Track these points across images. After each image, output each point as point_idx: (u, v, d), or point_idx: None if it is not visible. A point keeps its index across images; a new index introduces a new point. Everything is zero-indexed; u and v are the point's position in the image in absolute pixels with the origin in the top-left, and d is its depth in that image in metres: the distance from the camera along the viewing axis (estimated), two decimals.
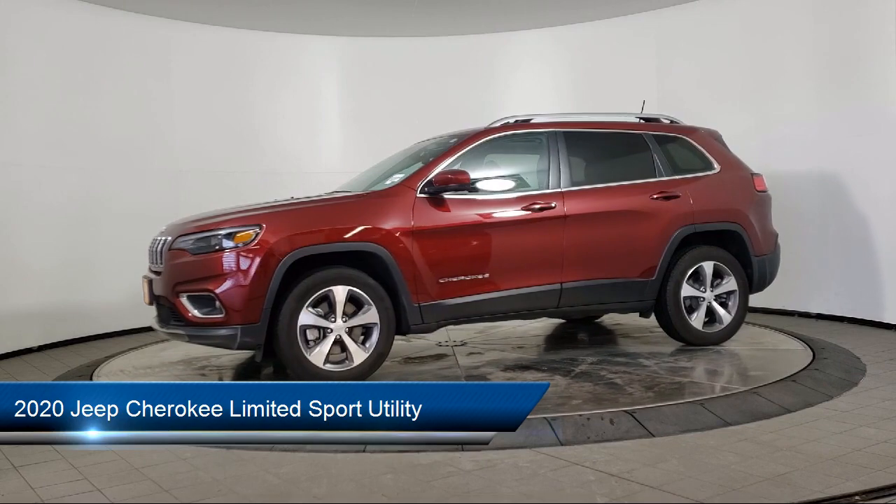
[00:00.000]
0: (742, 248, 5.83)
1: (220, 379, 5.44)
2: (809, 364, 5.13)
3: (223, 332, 4.69)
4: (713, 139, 6.08)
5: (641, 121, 6.03)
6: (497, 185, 5.48)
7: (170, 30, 8.13)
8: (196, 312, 4.76)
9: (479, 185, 5.27)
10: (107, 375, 5.61)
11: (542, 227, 5.28)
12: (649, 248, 5.55)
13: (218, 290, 4.66)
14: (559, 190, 5.38)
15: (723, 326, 5.78)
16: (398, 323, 4.98)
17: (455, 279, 5.07)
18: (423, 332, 5.20)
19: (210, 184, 8.11)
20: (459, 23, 8.77)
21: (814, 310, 7.32)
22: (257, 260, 4.65)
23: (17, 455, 3.93)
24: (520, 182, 5.64)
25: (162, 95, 8.11)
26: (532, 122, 5.69)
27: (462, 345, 6.21)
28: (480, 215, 5.19)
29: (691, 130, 6.04)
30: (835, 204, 6.99)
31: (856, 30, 6.83)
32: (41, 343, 7.07)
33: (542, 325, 7.03)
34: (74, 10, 7.42)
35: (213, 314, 4.71)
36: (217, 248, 4.72)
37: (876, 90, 6.64)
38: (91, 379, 5.44)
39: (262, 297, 4.64)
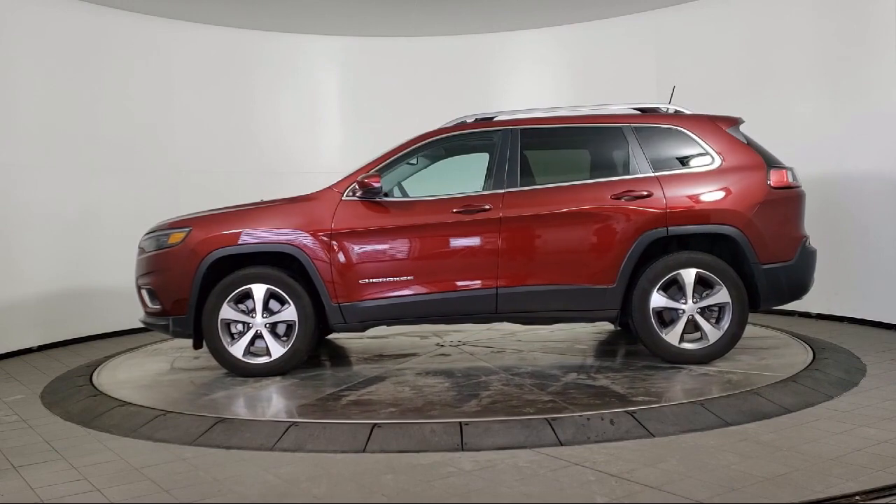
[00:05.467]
0: (741, 254, 5.18)
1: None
2: (809, 364, 5.12)
3: (162, 322, 5.29)
4: (722, 129, 5.41)
5: (637, 112, 5.56)
6: (434, 187, 5.45)
7: (170, 30, 8.14)
8: (150, 304, 5.36)
9: (416, 186, 5.37)
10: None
11: (473, 229, 5.15)
12: (606, 252, 5.12)
13: (155, 285, 5.27)
14: (499, 191, 5.20)
15: (708, 343, 5.13)
16: (324, 321, 5.24)
17: (376, 280, 5.16)
18: (350, 331, 5.39)
19: (210, 184, 8.12)
20: (459, 23, 8.77)
21: (814, 310, 7.33)
22: (183, 259, 5.17)
23: (17, 455, 3.94)
24: (462, 183, 5.55)
25: (162, 95, 8.12)
26: (495, 119, 5.52)
27: (461, 345, 6.21)
28: (406, 218, 5.18)
29: (690, 120, 5.42)
30: (834, 204, 6.99)
31: (857, 28, 6.83)
32: (41, 343, 7.08)
33: (587, 331, 6.69)
34: (73, 9, 7.42)
35: (157, 306, 5.29)
36: (158, 247, 5.30)
37: (876, 90, 6.64)
38: (92, 377, 5.46)
39: (188, 293, 5.14)
